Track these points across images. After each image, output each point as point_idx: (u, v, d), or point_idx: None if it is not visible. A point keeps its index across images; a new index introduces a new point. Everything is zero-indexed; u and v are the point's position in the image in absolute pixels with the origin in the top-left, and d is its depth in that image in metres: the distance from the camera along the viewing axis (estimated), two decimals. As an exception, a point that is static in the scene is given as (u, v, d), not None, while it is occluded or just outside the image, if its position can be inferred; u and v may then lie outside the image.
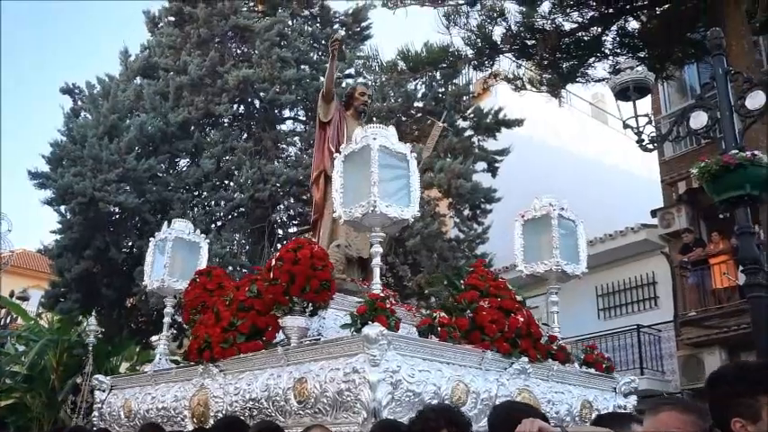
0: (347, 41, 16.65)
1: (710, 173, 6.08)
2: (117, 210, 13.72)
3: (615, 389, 5.72)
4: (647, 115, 7.61)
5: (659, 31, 13.15)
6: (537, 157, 19.39)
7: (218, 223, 14.63)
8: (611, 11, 13.27)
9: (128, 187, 13.30)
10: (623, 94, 7.37)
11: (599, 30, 13.70)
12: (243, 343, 4.90)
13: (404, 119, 14.75)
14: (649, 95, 9.07)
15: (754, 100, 6.54)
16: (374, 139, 4.79)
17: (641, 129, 7.44)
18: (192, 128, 14.98)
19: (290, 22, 15.88)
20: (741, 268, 7.04)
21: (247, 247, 15.41)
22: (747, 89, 6.83)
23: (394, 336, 4.04)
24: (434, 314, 4.52)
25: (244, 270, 14.60)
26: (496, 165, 14.85)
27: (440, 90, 14.88)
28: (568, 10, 13.33)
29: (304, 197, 15.33)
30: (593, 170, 21.74)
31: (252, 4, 17.07)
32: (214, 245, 12.30)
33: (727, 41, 9.68)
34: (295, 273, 4.63)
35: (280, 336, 4.99)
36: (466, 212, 14.17)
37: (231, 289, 5.52)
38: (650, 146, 7.51)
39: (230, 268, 14.53)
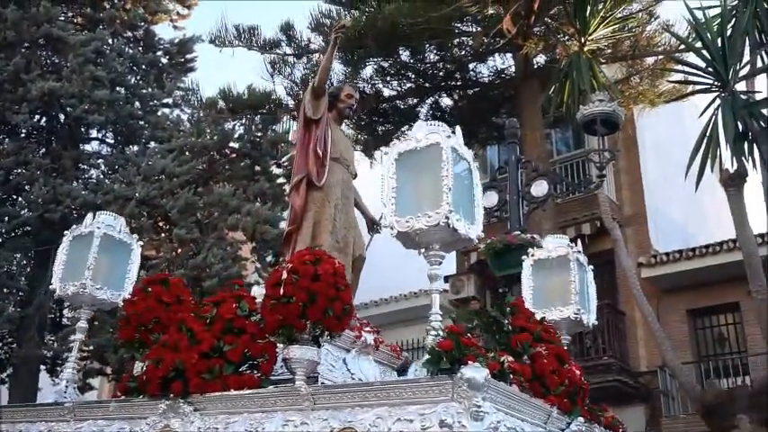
0: (168, 71, 16.25)
1: (494, 250, 6.61)
2: None
3: None
4: (447, 188, 8.16)
5: (468, 112, 14.22)
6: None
7: (-2, 240, 13.43)
8: (427, 85, 14.15)
9: None
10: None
11: (415, 100, 14.54)
12: (232, 375, 3.89)
13: (217, 157, 14.52)
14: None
15: (539, 188, 7.26)
16: (447, 137, 3.84)
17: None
18: (-17, 134, 13.78)
19: (110, 41, 15.22)
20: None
21: (28, 269, 14.25)
22: (534, 177, 7.57)
23: (494, 383, 3.22)
24: (502, 358, 3.69)
25: (20, 294, 13.45)
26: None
27: (258, 134, 14.86)
28: (389, 78, 14.05)
29: (100, 224, 14.49)
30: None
31: (71, 14, 16.19)
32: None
33: (523, 131, 10.70)
34: (316, 291, 3.77)
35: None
36: (269, 258, 14.07)
37: (202, 305, 4.44)
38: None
39: (5, 290, 13.34)
